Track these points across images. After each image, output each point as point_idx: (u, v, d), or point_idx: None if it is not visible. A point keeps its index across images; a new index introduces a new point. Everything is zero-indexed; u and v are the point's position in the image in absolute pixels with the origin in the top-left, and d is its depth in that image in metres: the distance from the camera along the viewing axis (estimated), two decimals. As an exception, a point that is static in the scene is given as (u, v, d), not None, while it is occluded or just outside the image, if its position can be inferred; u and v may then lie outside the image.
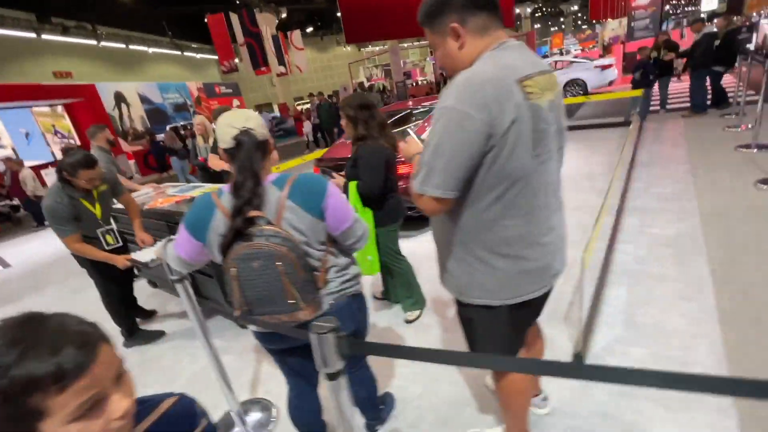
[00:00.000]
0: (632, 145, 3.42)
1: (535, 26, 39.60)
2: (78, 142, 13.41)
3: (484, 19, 1.01)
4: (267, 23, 18.64)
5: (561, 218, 1.16)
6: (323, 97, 12.37)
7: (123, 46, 16.91)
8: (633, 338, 1.97)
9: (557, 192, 1.12)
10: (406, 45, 32.16)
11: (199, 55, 22.01)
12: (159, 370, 2.44)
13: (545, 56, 27.24)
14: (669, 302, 2.17)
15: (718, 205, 3.17)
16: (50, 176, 9.52)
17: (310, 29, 27.06)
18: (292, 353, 1.38)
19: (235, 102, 22.96)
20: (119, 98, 16.24)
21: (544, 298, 1.31)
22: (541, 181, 1.03)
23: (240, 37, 16.41)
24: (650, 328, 2.01)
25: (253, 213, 1.08)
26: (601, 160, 4.86)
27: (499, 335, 1.19)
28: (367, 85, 24.74)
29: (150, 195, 3.21)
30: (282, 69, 19.64)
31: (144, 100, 17.79)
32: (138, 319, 2.93)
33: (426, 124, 4.04)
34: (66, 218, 2.12)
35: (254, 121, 1.15)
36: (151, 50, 18.66)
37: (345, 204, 1.21)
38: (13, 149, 11.71)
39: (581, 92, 9.91)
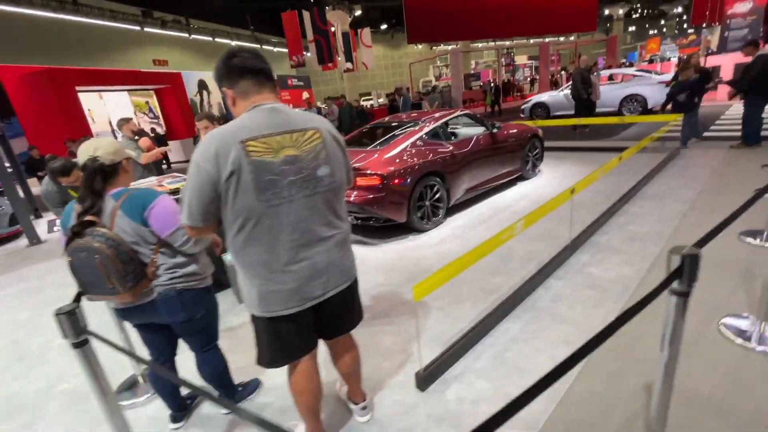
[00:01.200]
0: (605, 174, 3.30)
1: (630, 29, 36.17)
2: (163, 123, 15.49)
3: (244, 85, 1.27)
4: (339, 20, 19.53)
5: (321, 251, 1.35)
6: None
7: (210, 38, 18.85)
8: (489, 371, 2.04)
9: (309, 229, 1.31)
10: (480, 45, 31.29)
11: (276, 49, 23.66)
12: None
13: (631, 64, 24.54)
14: (549, 344, 2.18)
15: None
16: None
17: (384, 26, 27.61)
18: (144, 328, 1.75)
19: (305, 94, 24.37)
20: (202, 85, 18.18)
21: (331, 315, 1.51)
22: (276, 221, 1.25)
23: (310, 33, 17.42)
24: (512, 365, 2.06)
25: (89, 218, 1.46)
26: (602, 189, 4.61)
27: (265, 340, 1.44)
28: (432, 84, 24.62)
29: (150, 184, 3.81)
30: (349, 65, 20.47)
31: (223, 88, 19.64)
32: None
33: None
34: (56, 202, 2.73)
35: (103, 150, 1.52)
36: (233, 43, 20.53)
37: (169, 215, 1.53)
38: (110, 123, 13.74)
39: (639, 109, 9.08)
